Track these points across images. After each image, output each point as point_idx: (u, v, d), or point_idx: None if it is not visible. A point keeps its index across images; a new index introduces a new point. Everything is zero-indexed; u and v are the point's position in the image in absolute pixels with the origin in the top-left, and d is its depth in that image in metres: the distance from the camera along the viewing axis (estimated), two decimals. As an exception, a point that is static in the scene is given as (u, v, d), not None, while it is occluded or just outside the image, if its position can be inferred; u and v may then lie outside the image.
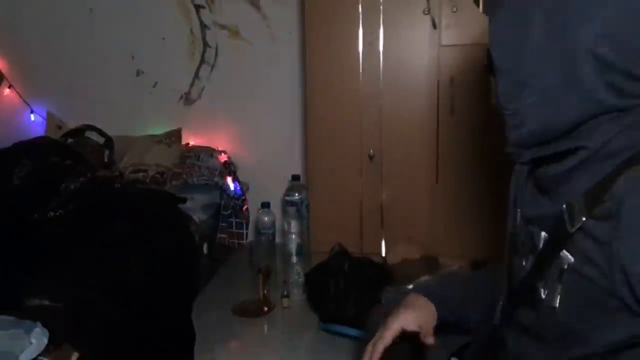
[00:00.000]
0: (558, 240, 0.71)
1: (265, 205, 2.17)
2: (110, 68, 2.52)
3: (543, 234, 0.76)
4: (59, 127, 2.50)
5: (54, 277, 1.31)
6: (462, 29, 1.88)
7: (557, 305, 0.72)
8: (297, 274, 2.02)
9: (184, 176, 2.15)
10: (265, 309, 1.77)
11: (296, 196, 2.15)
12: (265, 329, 1.73)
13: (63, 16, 2.52)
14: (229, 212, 2.21)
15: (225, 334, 1.67)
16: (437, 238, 1.99)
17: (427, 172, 2.00)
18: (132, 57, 2.51)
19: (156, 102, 2.52)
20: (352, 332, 1.55)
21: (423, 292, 0.95)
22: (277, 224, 2.23)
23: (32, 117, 2.59)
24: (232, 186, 2.25)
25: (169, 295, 1.48)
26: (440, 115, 1.95)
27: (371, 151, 2.01)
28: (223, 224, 2.21)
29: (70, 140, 2.16)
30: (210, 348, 1.55)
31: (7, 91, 2.57)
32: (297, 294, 1.87)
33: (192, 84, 2.49)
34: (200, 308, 1.67)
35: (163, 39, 2.46)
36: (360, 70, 1.97)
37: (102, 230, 1.48)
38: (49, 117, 2.58)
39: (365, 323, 1.10)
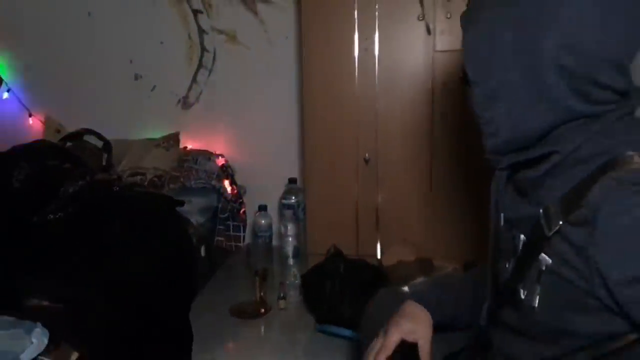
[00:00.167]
0: (536, 243, 0.74)
1: (263, 208, 2.19)
2: (109, 72, 2.54)
3: (522, 236, 0.79)
4: (58, 131, 2.51)
5: (53, 279, 1.33)
6: (456, 35, 1.89)
7: (537, 305, 0.75)
8: (294, 276, 2.04)
9: (182, 179, 2.17)
10: (262, 310, 1.79)
11: (293, 199, 2.17)
12: (262, 330, 1.75)
13: (62, 20, 2.54)
14: (226, 214, 2.22)
15: (223, 334, 1.69)
16: (432, 240, 2.01)
17: (422, 175, 2.02)
18: (131, 61, 2.53)
19: (154, 106, 2.53)
20: (348, 333, 1.57)
21: (418, 300, 0.98)
22: (274, 227, 2.25)
23: (31, 120, 2.60)
24: (229, 189, 2.27)
25: (167, 296, 1.50)
26: (435, 120, 1.97)
27: (367, 155, 2.03)
28: (220, 227, 2.22)
29: (68, 143, 2.18)
30: (208, 348, 1.57)
31: (6, 95, 2.58)
32: (294, 296, 1.89)
33: (190, 88, 2.51)
34: (198, 309, 1.69)
35: (161, 43, 2.49)
36: (356, 75, 2.00)
37: (101, 232, 1.50)
38: (48, 121, 2.60)
39: (359, 323, 1.13)
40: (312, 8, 2.00)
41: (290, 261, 2.15)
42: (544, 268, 0.73)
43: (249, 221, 2.31)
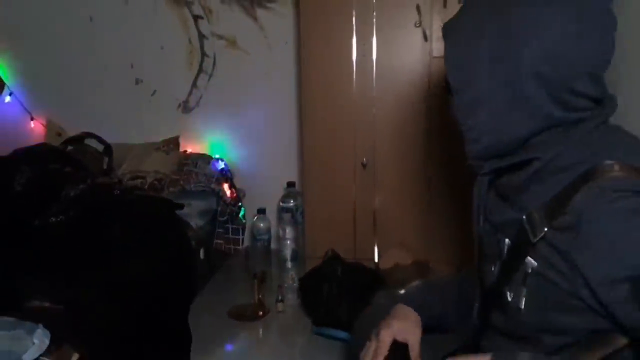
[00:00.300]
0: (521, 247, 0.77)
1: (261, 211, 2.21)
2: (110, 76, 2.57)
3: (507, 240, 0.81)
4: (59, 135, 2.54)
5: (55, 281, 1.34)
6: (452, 41, 1.92)
7: (523, 306, 0.77)
8: (292, 279, 2.05)
9: (182, 183, 2.18)
10: (261, 313, 1.81)
11: (291, 203, 2.19)
12: (260, 332, 1.77)
13: (64, 25, 2.57)
14: (225, 218, 2.24)
15: (222, 336, 1.71)
16: (429, 243, 2.03)
17: (419, 180, 2.04)
18: (132, 66, 2.55)
19: (155, 110, 2.56)
20: (344, 335, 1.59)
21: (406, 302, 1.02)
22: (273, 230, 2.27)
23: (33, 124, 2.63)
24: (228, 192, 2.29)
25: (166, 298, 1.52)
26: (432, 125, 1.99)
27: (364, 159, 2.05)
28: (219, 230, 2.24)
29: (70, 147, 2.20)
30: (206, 350, 1.59)
31: (8, 98, 2.61)
32: (292, 299, 1.91)
33: (190, 93, 2.54)
34: (197, 311, 1.71)
35: (162, 48, 2.51)
36: (354, 80, 2.02)
37: (102, 235, 1.52)
38: (49, 125, 2.62)
39: (353, 326, 1.15)
40: (311, 14, 2.03)
41: (289, 264, 2.17)
42: (529, 271, 0.76)
43: (248, 224, 2.33)
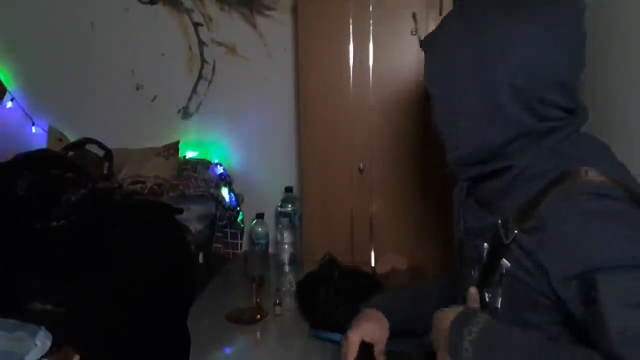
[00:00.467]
0: (497, 250, 0.81)
1: (260, 216, 2.23)
2: (111, 82, 2.59)
3: (485, 245, 0.84)
4: (60, 140, 2.56)
5: (56, 284, 1.37)
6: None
7: (499, 306, 0.81)
8: (289, 282, 2.07)
9: (181, 188, 2.20)
10: (258, 316, 1.83)
11: (289, 207, 2.21)
12: (258, 335, 1.78)
13: (65, 30, 2.59)
14: (224, 222, 2.26)
15: (220, 340, 1.72)
16: (425, 248, 2.05)
17: (415, 185, 2.07)
18: (132, 72, 2.58)
19: (155, 116, 2.59)
20: (341, 338, 1.61)
21: (377, 307, 1.09)
22: (271, 235, 2.29)
23: (34, 129, 2.65)
24: (227, 197, 2.31)
25: (166, 300, 1.54)
26: (428, 131, 2.02)
27: (361, 164, 2.08)
28: (218, 234, 2.26)
29: (71, 152, 2.22)
30: (205, 353, 1.61)
31: (9, 104, 2.63)
32: (289, 302, 1.93)
33: (190, 99, 2.56)
34: (196, 315, 1.73)
35: (162, 54, 2.54)
36: (351, 86, 2.05)
37: (102, 239, 1.54)
38: (51, 130, 2.64)
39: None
40: (309, 21, 2.06)
41: (286, 268, 2.19)
42: (504, 271, 0.80)
43: (246, 229, 2.36)
